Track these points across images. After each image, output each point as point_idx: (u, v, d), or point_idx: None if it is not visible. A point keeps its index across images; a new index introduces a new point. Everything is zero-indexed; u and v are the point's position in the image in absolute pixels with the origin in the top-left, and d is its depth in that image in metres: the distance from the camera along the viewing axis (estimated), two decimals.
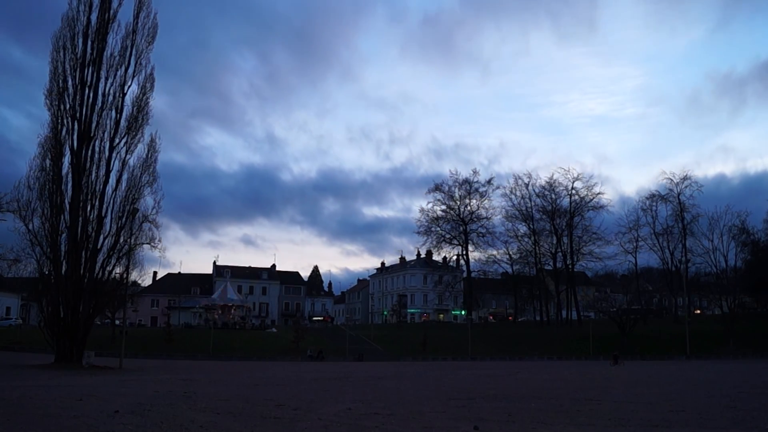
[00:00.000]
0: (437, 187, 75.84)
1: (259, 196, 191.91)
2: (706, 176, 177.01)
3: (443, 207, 75.67)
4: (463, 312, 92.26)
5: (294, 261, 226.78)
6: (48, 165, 29.99)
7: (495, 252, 77.31)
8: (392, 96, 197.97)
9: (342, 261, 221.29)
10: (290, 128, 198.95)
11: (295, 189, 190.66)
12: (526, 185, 73.99)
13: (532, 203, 73.98)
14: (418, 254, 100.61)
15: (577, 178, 73.05)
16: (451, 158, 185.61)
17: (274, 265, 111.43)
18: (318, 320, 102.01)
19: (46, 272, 30.56)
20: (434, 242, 76.42)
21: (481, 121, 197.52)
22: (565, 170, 77.42)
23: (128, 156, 31.35)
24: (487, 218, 75.38)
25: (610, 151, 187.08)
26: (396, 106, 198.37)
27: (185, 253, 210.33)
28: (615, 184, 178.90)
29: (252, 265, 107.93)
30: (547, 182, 73.58)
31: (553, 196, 72.99)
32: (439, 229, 75.88)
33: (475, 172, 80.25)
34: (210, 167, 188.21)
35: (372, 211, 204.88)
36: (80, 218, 30.07)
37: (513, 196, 74.34)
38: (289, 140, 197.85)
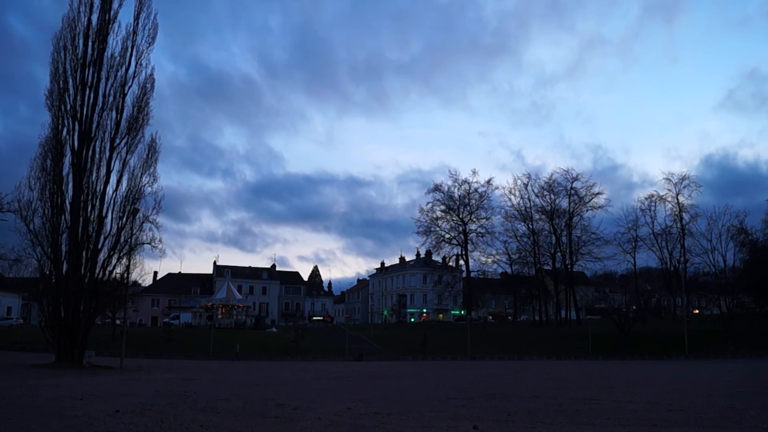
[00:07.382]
0: (437, 188, 76.00)
1: None
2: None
3: (442, 207, 75.80)
4: (462, 312, 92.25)
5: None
6: (49, 165, 30.01)
7: (494, 252, 77.36)
8: None
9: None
10: None
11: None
12: (525, 185, 74.17)
13: (531, 203, 74.15)
14: (418, 254, 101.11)
15: (576, 179, 73.22)
16: None
17: (274, 265, 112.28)
18: (318, 320, 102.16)
19: (47, 272, 30.54)
20: (434, 242, 76.57)
21: None
22: (564, 170, 76.91)
23: (129, 156, 31.34)
24: (486, 218, 75.51)
25: None
26: None
27: None
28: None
29: (252, 265, 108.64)
30: (546, 182, 73.72)
31: (552, 196, 73.16)
32: (438, 229, 76.03)
33: (474, 173, 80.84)
34: None
35: None
36: (81, 218, 30.08)
37: (512, 197, 74.53)
38: None
